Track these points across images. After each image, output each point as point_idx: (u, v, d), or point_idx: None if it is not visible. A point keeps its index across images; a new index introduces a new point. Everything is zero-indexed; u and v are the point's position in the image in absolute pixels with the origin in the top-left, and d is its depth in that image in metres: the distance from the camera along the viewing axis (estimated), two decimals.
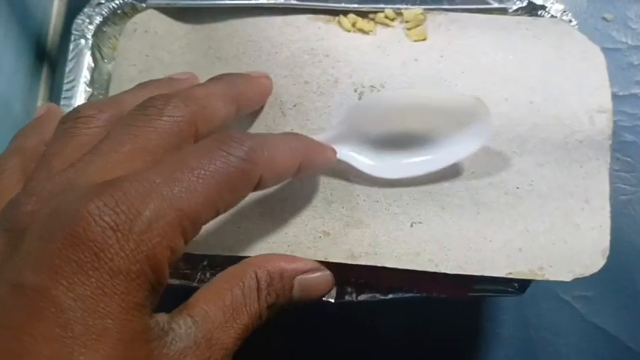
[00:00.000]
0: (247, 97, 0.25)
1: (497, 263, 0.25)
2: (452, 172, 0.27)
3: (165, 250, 0.17)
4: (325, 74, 0.28)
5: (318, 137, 0.25)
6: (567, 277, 0.25)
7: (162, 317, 0.18)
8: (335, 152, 0.25)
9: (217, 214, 0.18)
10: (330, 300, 0.27)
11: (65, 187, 0.18)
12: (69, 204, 0.16)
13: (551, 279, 0.25)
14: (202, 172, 0.18)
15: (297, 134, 0.24)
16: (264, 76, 0.27)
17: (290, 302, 0.22)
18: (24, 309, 0.16)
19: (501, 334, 0.35)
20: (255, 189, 0.20)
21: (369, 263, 0.25)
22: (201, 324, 0.18)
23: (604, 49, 0.28)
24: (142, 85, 0.24)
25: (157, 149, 0.19)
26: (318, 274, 0.23)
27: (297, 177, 0.23)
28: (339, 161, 0.26)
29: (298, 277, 0.22)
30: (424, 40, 0.29)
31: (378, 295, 0.27)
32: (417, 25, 0.29)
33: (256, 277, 0.21)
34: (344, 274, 0.26)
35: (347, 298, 0.27)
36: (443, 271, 0.25)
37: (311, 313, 0.34)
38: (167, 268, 0.17)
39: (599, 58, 0.28)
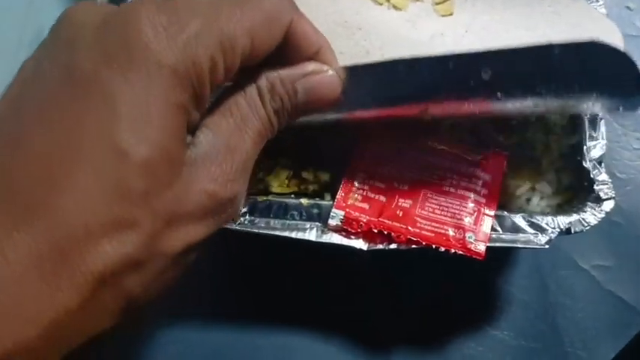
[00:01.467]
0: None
1: None
2: None
3: (207, 60, 0.18)
4: (357, 46, 0.31)
5: None
6: None
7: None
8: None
9: (252, 46, 0.20)
10: (362, 248, 0.29)
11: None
12: (126, 6, 0.18)
13: None
14: (242, 3, 0.20)
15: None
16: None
17: (297, 107, 0.22)
18: (72, 87, 0.17)
19: (522, 298, 0.37)
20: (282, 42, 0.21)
21: None
22: (217, 133, 0.20)
23: (627, 36, 0.29)
24: None
25: None
26: (320, 75, 0.23)
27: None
28: None
29: (301, 80, 0.22)
30: (451, 14, 0.31)
31: (403, 246, 0.29)
32: (445, 0, 0.31)
33: (256, 85, 0.21)
34: (368, 226, 0.28)
35: (379, 246, 0.29)
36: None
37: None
38: (208, 82, 0.19)
39: (616, 35, 0.29)
